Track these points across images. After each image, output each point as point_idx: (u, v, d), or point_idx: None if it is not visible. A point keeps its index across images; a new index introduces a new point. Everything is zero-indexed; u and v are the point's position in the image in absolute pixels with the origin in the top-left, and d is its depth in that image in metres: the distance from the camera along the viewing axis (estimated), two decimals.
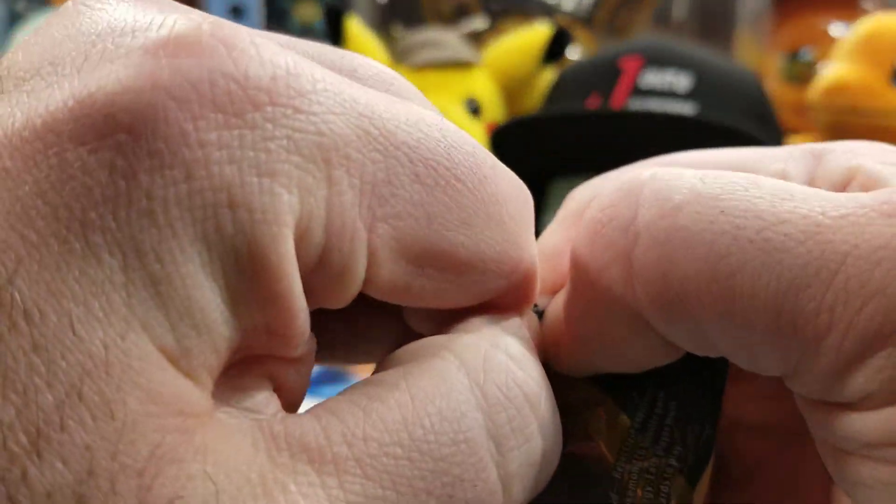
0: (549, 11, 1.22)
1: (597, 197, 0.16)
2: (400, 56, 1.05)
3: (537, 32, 1.04)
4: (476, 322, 0.16)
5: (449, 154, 0.14)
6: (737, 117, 0.81)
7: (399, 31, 1.23)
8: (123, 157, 0.11)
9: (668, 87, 0.83)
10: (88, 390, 0.10)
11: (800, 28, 1.15)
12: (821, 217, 0.14)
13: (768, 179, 0.15)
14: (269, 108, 0.12)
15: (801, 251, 0.14)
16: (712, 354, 0.15)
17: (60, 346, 0.10)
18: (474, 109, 1.01)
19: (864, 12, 1.09)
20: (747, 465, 0.20)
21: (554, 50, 1.02)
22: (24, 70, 0.13)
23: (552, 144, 0.87)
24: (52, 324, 0.10)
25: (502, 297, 0.16)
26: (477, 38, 1.19)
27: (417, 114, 0.14)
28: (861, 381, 0.13)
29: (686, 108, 0.82)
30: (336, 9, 1.06)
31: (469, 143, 0.15)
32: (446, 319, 0.16)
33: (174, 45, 0.12)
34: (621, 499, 0.16)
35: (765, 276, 0.14)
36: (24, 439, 0.10)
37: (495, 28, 1.23)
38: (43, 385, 0.10)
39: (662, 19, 1.25)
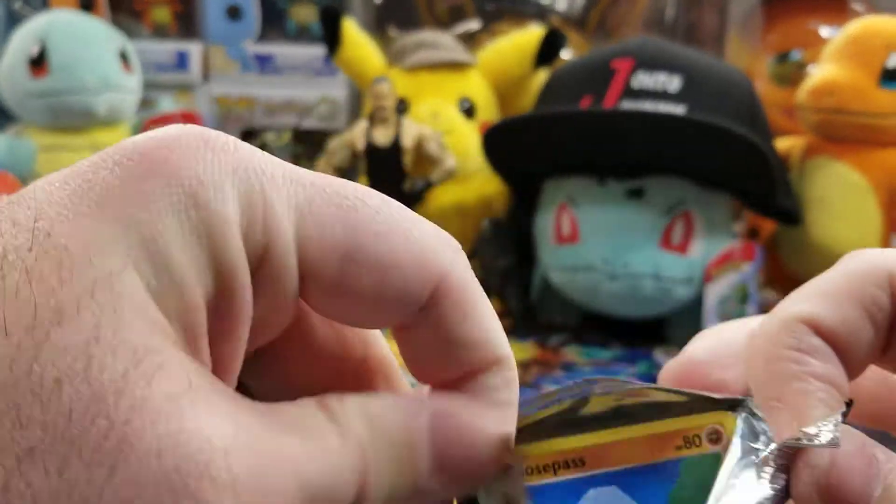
0: (543, 13, 1.23)
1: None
2: (395, 57, 1.06)
3: (531, 34, 1.05)
4: None
5: (356, 186, 0.19)
6: (727, 118, 0.82)
7: (394, 33, 1.24)
8: (129, 174, 0.17)
9: (660, 88, 0.84)
10: (98, 294, 0.16)
11: (789, 30, 1.16)
12: None
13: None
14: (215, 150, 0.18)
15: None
16: None
17: (81, 264, 0.16)
18: (468, 110, 1.02)
19: (854, 14, 1.10)
20: None
21: (548, 51, 1.03)
22: None
23: (545, 144, 0.88)
24: (78, 254, 0.16)
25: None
26: (471, 40, 1.20)
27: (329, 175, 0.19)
28: None
29: (677, 109, 0.83)
30: (332, 10, 1.07)
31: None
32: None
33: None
34: None
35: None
36: (49, 315, 0.15)
37: (489, 30, 1.24)
38: (68, 278, 0.16)
39: (654, 20, 1.26)
